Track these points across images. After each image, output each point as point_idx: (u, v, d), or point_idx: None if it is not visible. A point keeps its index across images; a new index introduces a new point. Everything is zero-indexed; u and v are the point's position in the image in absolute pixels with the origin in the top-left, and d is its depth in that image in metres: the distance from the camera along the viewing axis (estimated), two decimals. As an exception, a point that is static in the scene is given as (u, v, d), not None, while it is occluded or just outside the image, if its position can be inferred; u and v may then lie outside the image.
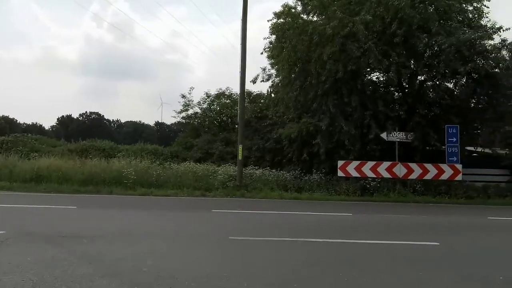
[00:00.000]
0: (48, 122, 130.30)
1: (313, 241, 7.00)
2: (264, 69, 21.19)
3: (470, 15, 17.71)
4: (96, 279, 4.54)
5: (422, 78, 18.09)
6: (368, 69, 16.84)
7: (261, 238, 7.11)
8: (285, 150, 19.28)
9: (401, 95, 17.72)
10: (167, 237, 7.10)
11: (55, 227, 7.51)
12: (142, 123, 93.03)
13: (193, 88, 25.98)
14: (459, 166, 15.64)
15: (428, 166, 15.71)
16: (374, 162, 15.93)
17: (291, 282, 4.66)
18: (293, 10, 17.66)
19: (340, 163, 16.11)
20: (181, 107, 25.80)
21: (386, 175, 15.76)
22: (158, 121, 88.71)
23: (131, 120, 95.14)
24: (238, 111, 17.61)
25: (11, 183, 15.80)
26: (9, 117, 76.48)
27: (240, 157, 16.52)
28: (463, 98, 17.94)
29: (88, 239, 6.52)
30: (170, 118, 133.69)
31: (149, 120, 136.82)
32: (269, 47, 19.14)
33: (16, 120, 77.29)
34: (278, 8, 17.99)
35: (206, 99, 25.64)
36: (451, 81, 17.87)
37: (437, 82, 18.06)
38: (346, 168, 15.97)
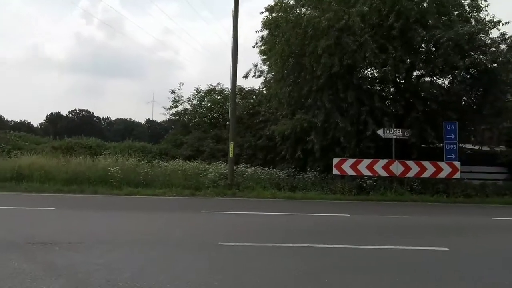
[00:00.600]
0: (37, 119, 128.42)
1: (310, 246, 6.40)
2: (256, 65, 20.67)
3: (468, 9, 17.25)
4: (62, 298, 3.89)
5: (419, 73, 17.60)
6: (364, 63, 16.24)
7: (253, 243, 6.48)
8: (278, 147, 18.66)
9: (397, 90, 17.18)
10: (150, 243, 6.43)
11: (26, 232, 6.80)
12: (132, 120, 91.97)
13: (183, 83, 25.20)
14: (457, 164, 15.16)
15: (426, 163, 15.22)
16: (370, 160, 15.39)
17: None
18: (285, 3, 16.98)
19: (335, 161, 15.53)
20: (171, 103, 25.04)
21: (382, 173, 15.23)
22: (149, 119, 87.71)
23: (122, 117, 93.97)
24: (230, 107, 16.94)
25: (-10, 183, 14.97)
26: (-5, 115, 75.14)
27: (231, 154, 15.87)
28: (461, 93, 17.47)
29: (60, 247, 5.84)
30: (161, 115, 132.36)
31: (141, 118, 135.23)
32: (261, 41, 18.54)
33: (4, 118, 75.84)
34: (270, 3, 17.34)
35: (196, 95, 24.92)
36: (449, 76, 17.38)
37: (435, 77, 17.57)
38: (342, 166, 15.40)
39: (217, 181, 15.76)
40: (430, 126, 15.81)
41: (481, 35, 15.84)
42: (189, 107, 25.06)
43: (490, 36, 16.17)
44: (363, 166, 15.29)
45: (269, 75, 20.48)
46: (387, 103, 16.94)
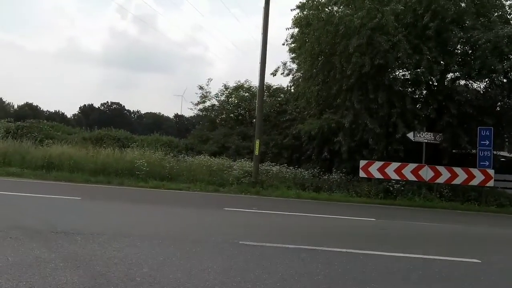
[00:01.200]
0: (71, 111, 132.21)
1: (335, 250, 6.19)
2: (284, 63, 20.50)
3: (509, 10, 16.53)
4: (79, 290, 3.86)
5: (454, 76, 16.96)
6: (396, 63, 15.77)
7: (275, 244, 6.32)
8: (304, 147, 18.43)
9: (430, 93, 16.61)
10: (170, 238, 6.39)
11: (51, 221, 6.89)
12: (162, 115, 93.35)
13: (211, 79, 25.15)
14: (491, 172, 14.49)
15: (457, 170, 14.63)
16: (398, 164, 14.93)
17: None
18: (317, 1, 16.68)
19: (362, 163, 15.16)
20: (199, 99, 25.12)
21: (411, 177, 14.75)
22: (177, 114, 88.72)
23: (151, 111, 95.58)
24: (257, 104, 16.83)
25: (22, 170, 15.39)
26: (33, 104, 78.05)
27: (256, 152, 15.76)
28: (497, 98, 16.71)
29: (82, 237, 5.86)
30: (189, 110, 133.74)
31: (169, 112, 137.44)
32: (291, 39, 18.34)
33: (40, 108, 78.59)
34: (302, 0, 17.06)
35: (224, 91, 24.90)
36: (485, 80, 16.67)
37: (470, 81, 16.90)
38: (369, 169, 15.02)
39: (241, 178, 15.68)
40: (463, 131, 15.25)
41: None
42: (216, 103, 25.09)
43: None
44: (391, 170, 14.86)
45: (298, 74, 20.25)
46: (419, 105, 16.43)
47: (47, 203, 9.36)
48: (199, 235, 6.93)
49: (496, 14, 16.24)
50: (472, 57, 15.53)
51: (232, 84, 25.08)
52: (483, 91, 17.05)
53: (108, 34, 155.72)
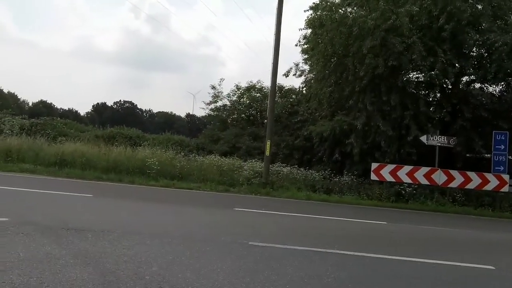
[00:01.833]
0: (84, 109, 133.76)
1: (345, 253, 6.11)
2: (297, 64, 20.48)
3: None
4: (89, 287, 3.86)
5: (469, 79, 16.72)
6: (410, 66, 15.59)
7: (285, 246, 6.27)
8: (315, 148, 18.34)
9: (444, 95, 16.39)
10: (180, 237, 6.38)
11: (62, 218, 6.94)
12: (173, 114, 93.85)
13: (223, 79, 25.20)
14: (506, 177, 14.24)
15: (471, 174, 14.40)
16: (411, 167, 14.75)
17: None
18: (331, 2, 16.59)
19: (374, 165, 15.01)
20: (210, 99, 25.18)
21: (423, 181, 14.57)
22: (189, 113, 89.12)
23: (163, 110, 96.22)
24: (268, 105, 16.78)
25: (35, 166, 15.55)
26: (47, 102, 79.23)
27: (267, 153, 15.72)
28: (514, 102, 16.42)
29: (93, 235, 5.88)
30: (201, 110, 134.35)
31: (181, 111, 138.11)
32: (304, 40, 18.30)
33: (54, 105, 79.71)
34: (315, 1, 17.02)
35: (236, 91, 24.90)
36: (502, 83, 16.40)
37: (485, 84, 16.63)
38: (380, 172, 14.86)
39: (252, 179, 15.65)
40: (477, 135, 15.03)
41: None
42: (228, 103, 25.12)
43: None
44: (403, 173, 14.68)
45: (310, 75, 20.18)
46: (432, 108, 16.21)
47: (59, 200, 9.46)
48: (208, 234, 6.91)
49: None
50: (488, 60, 15.29)
51: (244, 84, 25.13)
52: (498, 95, 16.80)
53: (121, 33, 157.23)
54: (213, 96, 24.96)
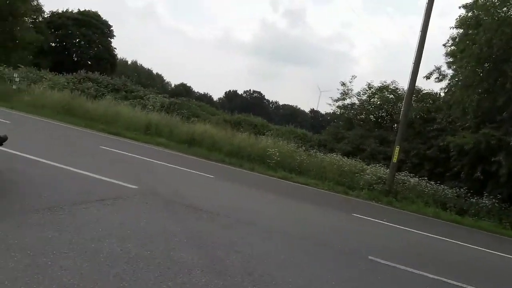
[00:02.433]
0: (217, 94, 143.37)
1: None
2: (438, 68, 18.46)
3: None
4: (196, 273, 3.68)
5: None
6: None
7: (412, 269, 5.41)
8: (451, 162, 16.29)
9: None
10: (296, 236, 6.00)
11: (184, 194, 7.08)
12: (298, 108, 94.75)
13: (355, 76, 24.05)
14: None
15: None
16: None
17: None
18: (490, 1, 14.45)
19: (525, 191, 12.69)
20: (339, 95, 24.27)
21: None
22: (313, 109, 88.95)
23: (288, 103, 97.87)
24: (402, 108, 15.37)
25: (168, 142, 16.76)
26: (187, 85, 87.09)
27: (394, 159, 14.43)
28: None
29: (208, 216, 5.83)
30: (325, 107, 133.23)
31: (305, 106, 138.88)
32: (451, 42, 16.39)
33: (192, 88, 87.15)
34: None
35: (367, 90, 23.56)
36: None
37: None
38: (533, 200, 12.50)
39: (374, 184, 14.56)
40: None
41: None
42: (357, 102, 23.94)
43: None
44: None
45: (454, 80, 18.00)
46: None
47: (184, 176, 9.85)
48: (325, 239, 6.38)
49: None
50: None
51: (376, 84, 23.62)
52: None
53: (259, 25, 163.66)
54: (342, 93, 24.02)
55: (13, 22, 37.70)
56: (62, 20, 47.93)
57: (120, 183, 6.53)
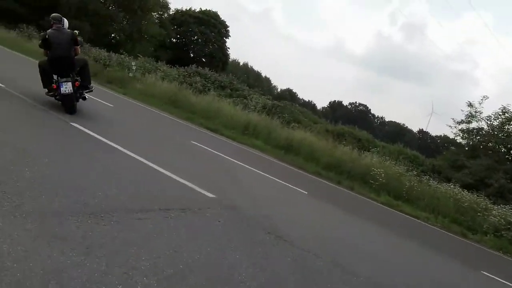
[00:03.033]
0: (321, 103, 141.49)
1: None
2: None
3: None
4: None
5: None
6: None
7: None
8: None
9: None
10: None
11: (269, 214, 5.73)
12: (405, 126, 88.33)
13: (487, 97, 20.47)
14: None
15: None
16: None
17: None
18: None
19: None
20: (463, 117, 20.99)
21: None
22: (422, 129, 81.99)
23: (394, 120, 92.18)
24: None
25: (265, 145, 15.77)
26: (293, 90, 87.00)
27: (535, 203, 11.51)
28: None
29: (296, 255, 4.36)
30: (435, 128, 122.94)
31: (413, 125, 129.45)
32: None
33: (297, 95, 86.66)
34: None
35: (499, 115, 19.99)
36: None
37: None
38: None
39: (502, 230, 11.81)
40: None
41: None
42: (485, 127, 20.47)
43: None
44: None
45: None
46: None
47: (273, 188, 8.51)
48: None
49: None
50: None
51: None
52: None
53: (373, 37, 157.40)
54: (467, 115, 20.74)
55: (141, 16, 40.54)
56: (184, 17, 50.45)
57: (196, 188, 5.39)
